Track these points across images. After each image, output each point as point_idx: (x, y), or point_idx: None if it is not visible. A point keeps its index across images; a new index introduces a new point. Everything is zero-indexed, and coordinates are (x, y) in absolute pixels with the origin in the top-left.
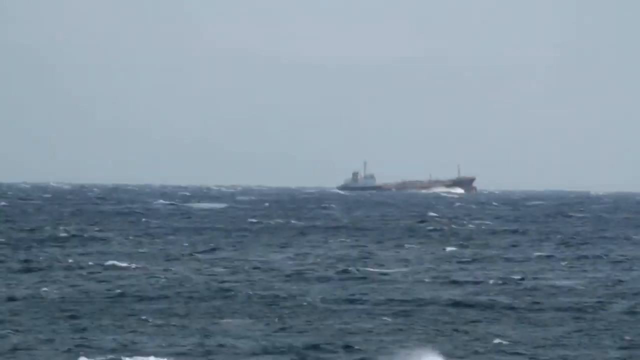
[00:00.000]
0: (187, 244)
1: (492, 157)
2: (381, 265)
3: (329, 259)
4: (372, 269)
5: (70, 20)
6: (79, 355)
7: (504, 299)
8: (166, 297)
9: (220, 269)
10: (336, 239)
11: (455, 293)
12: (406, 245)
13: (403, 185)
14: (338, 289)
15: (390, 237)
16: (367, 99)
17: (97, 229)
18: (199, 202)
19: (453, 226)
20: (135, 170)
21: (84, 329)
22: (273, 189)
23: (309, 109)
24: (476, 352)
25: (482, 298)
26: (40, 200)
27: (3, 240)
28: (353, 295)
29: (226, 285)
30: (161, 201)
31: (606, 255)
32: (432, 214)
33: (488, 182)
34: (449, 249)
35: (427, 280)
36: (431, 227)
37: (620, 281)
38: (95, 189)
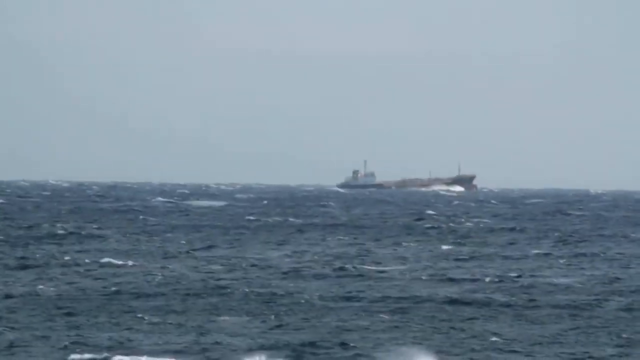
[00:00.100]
0: (184, 242)
1: (492, 156)
2: (378, 263)
3: (326, 257)
4: (369, 267)
5: (70, 19)
6: (75, 352)
7: (500, 297)
8: (163, 294)
9: (218, 267)
10: (334, 237)
11: (452, 290)
12: (403, 243)
13: (403, 184)
14: (335, 286)
15: (387, 235)
16: (368, 98)
17: (94, 226)
18: (197, 199)
19: (451, 224)
20: (135, 169)
21: (80, 326)
22: (272, 187)
23: (308, 109)
24: (473, 350)
25: (479, 296)
26: (39, 198)
27: (1, 237)
28: (350, 292)
29: (223, 282)
30: (159, 199)
31: (604, 253)
32: (430, 212)
33: (488, 181)
34: (446, 246)
35: (424, 277)
36: (429, 225)
37: (618, 279)
38: (94, 187)
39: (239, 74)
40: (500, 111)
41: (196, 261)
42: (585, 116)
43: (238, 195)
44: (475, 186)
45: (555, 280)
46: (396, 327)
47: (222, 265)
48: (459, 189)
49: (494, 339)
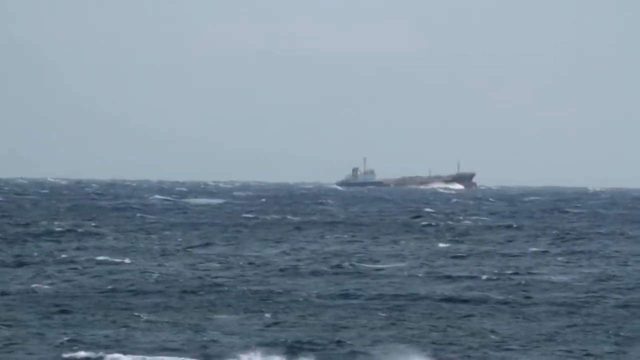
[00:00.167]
0: (182, 239)
1: (492, 154)
2: (376, 261)
3: (323, 254)
4: (366, 264)
5: (70, 19)
6: (71, 350)
7: (498, 294)
8: (160, 292)
9: (215, 264)
10: (332, 235)
11: (449, 288)
12: (401, 241)
13: (403, 181)
14: (332, 284)
15: (385, 233)
16: (367, 97)
17: (92, 224)
18: (195, 197)
19: (449, 222)
20: (134, 167)
21: (76, 324)
22: (271, 185)
23: (308, 108)
24: (470, 348)
25: (476, 293)
26: (37, 196)
27: None
28: (347, 290)
29: (220, 280)
30: (157, 197)
31: (601, 251)
32: (428, 209)
33: (487, 179)
34: (443, 244)
35: (421, 275)
36: (426, 223)
37: (615, 276)
38: (93, 185)
39: (238, 73)
40: (500, 110)
41: (193, 259)
42: (583, 115)
43: (236, 193)
44: (474, 184)
45: (553, 278)
46: (393, 324)
47: (219, 262)
48: (458, 186)
49: (491, 336)
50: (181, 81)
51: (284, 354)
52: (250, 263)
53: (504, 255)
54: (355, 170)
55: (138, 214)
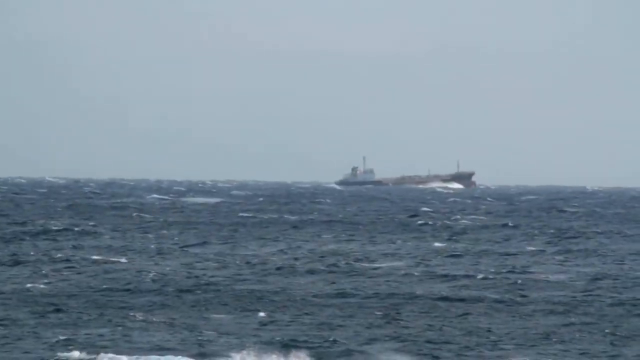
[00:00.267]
0: (178, 239)
1: (491, 153)
2: (372, 260)
3: (320, 253)
4: (363, 263)
5: (70, 17)
6: (66, 350)
7: (494, 293)
8: (156, 291)
9: (211, 263)
10: (328, 234)
11: (445, 287)
12: (398, 240)
13: (402, 180)
14: (328, 283)
15: (382, 232)
16: (367, 96)
17: (89, 223)
18: (193, 196)
19: (445, 221)
20: (133, 166)
21: (72, 323)
22: (269, 184)
23: (307, 106)
24: (466, 347)
25: (473, 292)
26: (35, 195)
27: None
28: (343, 289)
29: (216, 279)
30: (155, 196)
31: (598, 250)
32: (425, 208)
33: (487, 178)
34: (440, 243)
35: (417, 274)
36: (423, 222)
37: (611, 275)
38: (91, 184)
39: (237, 72)
40: (499, 110)
41: (190, 258)
42: (583, 115)
43: (234, 192)
44: (474, 183)
45: (549, 277)
46: (389, 323)
47: (215, 262)
48: (456, 186)
49: (487, 335)
50: (180, 80)
51: (280, 353)
52: (247, 262)
53: (500, 254)
54: (354, 169)
55: (135, 213)
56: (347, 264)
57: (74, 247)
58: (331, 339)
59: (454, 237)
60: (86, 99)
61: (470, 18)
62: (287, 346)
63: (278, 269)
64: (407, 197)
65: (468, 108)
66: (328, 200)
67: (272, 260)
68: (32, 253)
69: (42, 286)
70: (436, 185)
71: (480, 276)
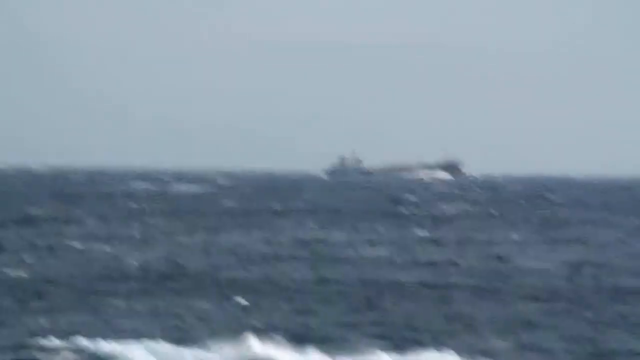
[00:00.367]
0: (163, 226)
1: (480, 143)
2: (355, 248)
3: (303, 241)
4: (346, 251)
5: (69, 11)
6: (46, 337)
7: (477, 281)
8: (138, 278)
9: (195, 251)
10: (312, 222)
11: (428, 274)
12: (381, 228)
13: (390, 170)
14: (311, 270)
15: (366, 220)
16: (356, 87)
17: (73, 210)
18: (179, 185)
19: (430, 210)
20: (119, 154)
21: (53, 310)
22: (255, 173)
23: (297, 96)
24: (447, 333)
25: (456, 279)
26: (19, 182)
27: None
28: (326, 276)
29: (199, 267)
30: (141, 184)
31: (581, 238)
32: (410, 197)
33: (475, 167)
34: (423, 231)
35: (400, 261)
36: (407, 210)
37: (594, 263)
38: (76, 172)
39: (227, 61)
40: (487, 100)
41: (173, 246)
42: (580, 113)
43: (220, 181)
44: (462, 172)
45: (533, 265)
46: (370, 310)
47: (199, 249)
48: (444, 175)
49: (469, 322)
50: (170, 68)
51: (260, 340)
52: (230, 250)
53: (483, 242)
54: (342, 158)
55: (119, 201)
56: (330, 251)
57: (57, 234)
58: (312, 326)
59: (438, 225)
60: (78, 90)
61: (460, 9)
62: (267, 333)
63: (261, 256)
64: (393, 186)
65: (456, 98)
66: (313, 190)
67: (255, 248)
68: (14, 240)
69: (23, 273)
70: (423, 174)
71: (463, 264)
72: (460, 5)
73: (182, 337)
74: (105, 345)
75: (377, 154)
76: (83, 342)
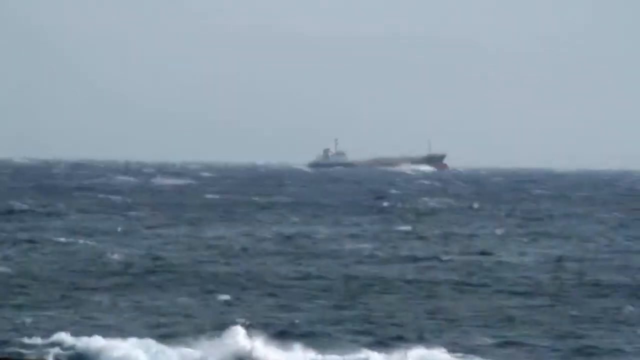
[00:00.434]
0: (145, 220)
1: (464, 136)
2: (337, 242)
3: (286, 235)
4: (328, 245)
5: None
6: (29, 333)
7: (459, 275)
8: (120, 273)
9: (177, 245)
10: (295, 215)
11: (410, 269)
12: (363, 222)
13: (373, 162)
14: (294, 264)
15: (348, 214)
16: (341, 79)
17: (55, 204)
18: (162, 178)
19: (412, 204)
20: (102, 147)
21: (34, 305)
22: (239, 166)
23: (281, 87)
24: (430, 328)
25: (437, 274)
26: (1, 176)
27: None
28: (308, 271)
29: (181, 261)
30: (123, 177)
31: (564, 232)
32: (393, 191)
33: (459, 160)
34: (406, 225)
35: (382, 256)
36: (389, 204)
37: (576, 257)
38: (60, 165)
39: (211, 51)
40: (471, 93)
41: (155, 239)
42: (553, 100)
43: (203, 174)
44: (445, 165)
45: (515, 259)
46: (352, 305)
47: (181, 243)
48: (426, 168)
49: (451, 316)
50: (151, 58)
51: (242, 335)
52: (212, 244)
53: (466, 236)
54: (326, 151)
55: (101, 195)
56: (312, 245)
57: (39, 228)
58: (295, 321)
59: (420, 219)
60: (66, 76)
61: (437, 3)
62: (249, 328)
63: (243, 250)
64: (376, 179)
65: (441, 91)
66: (296, 182)
67: (237, 242)
68: None
69: (6, 269)
70: (406, 167)
71: (445, 258)
72: (457, 2)
73: (165, 333)
74: (89, 342)
75: (363, 148)
76: (66, 338)
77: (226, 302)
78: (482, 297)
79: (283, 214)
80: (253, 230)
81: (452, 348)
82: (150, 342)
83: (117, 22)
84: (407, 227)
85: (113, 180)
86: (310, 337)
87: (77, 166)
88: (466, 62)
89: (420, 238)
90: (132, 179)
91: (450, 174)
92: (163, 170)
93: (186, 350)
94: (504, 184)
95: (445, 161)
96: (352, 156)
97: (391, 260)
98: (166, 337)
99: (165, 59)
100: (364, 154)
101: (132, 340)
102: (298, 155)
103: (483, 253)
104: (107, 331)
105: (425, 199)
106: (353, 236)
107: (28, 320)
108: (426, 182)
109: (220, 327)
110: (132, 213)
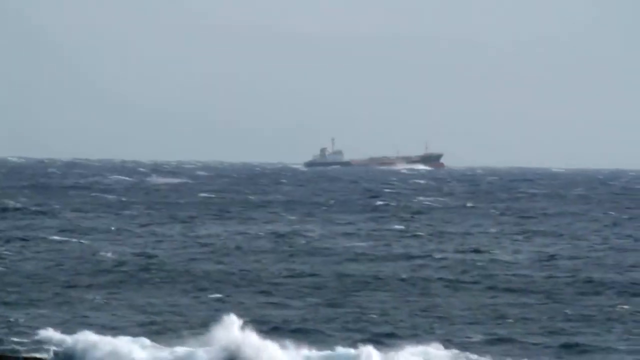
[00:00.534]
0: (139, 219)
1: (461, 135)
2: (331, 240)
3: (278, 234)
4: (322, 244)
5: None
6: (23, 331)
7: (452, 273)
8: (114, 271)
9: (171, 244)
10: (289, 214)
11: (403, 267)
12: (358, 221)
13: (370, 162)
14: (287, 263)
15: (342, 212)
16: (338, 78)
17: (49, 203)
18: (156, 177)
19: (407, 202)
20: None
21: (27, 303)
22: (234, 165)
23: (278, 86)
24: (423, 326)
25: (431, 272)
26: None
27: None
28: (301, 269)
29: (175, 259)
30: (118, 176)
31: (556, 230)
32: (388, 190)
33: (456, 160)
34: (399, 224)
35: (376, 254)
36: (384, 203)
37: (569, 256)
38: (55, 164)
39: (211, 51)
40: (470, 92)
41: (149, 238)
42: (552, 100)
43: (199, 173)
44: (442, 165)
45: (507, 257)
46: (344, 303)
47: (174, 242)
48: (422, 167)
49: (444, 314)
50: (151, 58)
51: (235, 333)
52: (206, 242)
53: (459, 234)
54: (323, 150)
55: (94, 193)
56: (305, 244)
57: (33, 226)
58: (288, 319)
59: (414, 218)
60: (63, 75)
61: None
62: (242, 326)
63: (237, 248)
64: (371, 178)
65: (438, 90)
66: (292, 181)
67: (230, 240)
68: None
69: (0, 267)
70: (402, 166)
71: (439, 256)
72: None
73: (157, 331)
74: (80, 338)
75: (362, 148)
76: (58, 335)
77: (219, 300)
78: (475, 295)
79: (278, 212)
80: (247, 228)
81: (445, 345)
82: (143, 340)
83: (117, 22)
84: (401, 226)
85: (108, 179)
86: (303, 334)
87: (72, 165)
88: (466, 62)
89: (414, 236)
90: (127, 177)
91: (445, 173)
92: (158, 169)
93: (178, 348)
94: (499, 183)
95: (442, 160)
96: (349, 155)
97: (385, 258)
98: (158, 334)
99: (165, 59)
100: (361, 153)
101: (125, 338)
102: (298, 155)
103: (477, 251)
104: (100, 329)
105: (420, 197)
106: (347, 234)
107: (21, 317)
108: (421, 181)
109: (210, 325)
110: (126, 212)
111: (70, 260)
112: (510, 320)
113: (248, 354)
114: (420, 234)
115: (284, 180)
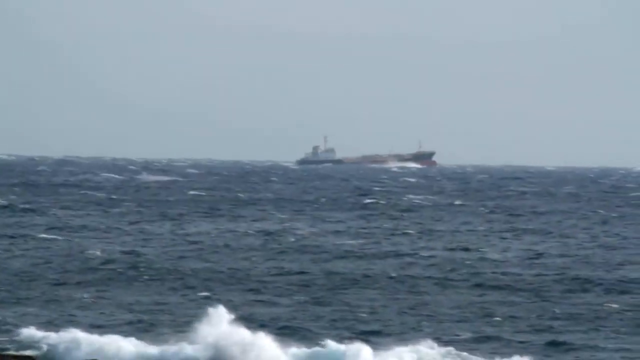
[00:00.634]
0: (128, 216)
1: (454, 133)
2: (320, 237)
3: (267, 231)
4: (311, 241)
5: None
6: (11, 329)
7: (440, 271)
8: (102, 270)
9: (159, 242)
10: (278, 212)
11: (392, 265)
12: (346, 219)
13: (362, 159)
14: (276, 261)
15: (332, 210)
16: (332, 76)
17: (38, 200)
18: (147, 175)
19: (396, 200)
20: (90, 144)
21: (14, 302)
22: (226, 162)
23: (271, 84)
24: (411, 324)
25: (418, 270)
26: None
27: None
28: (290, 267)
29: (163, 258)
30: (108, 174)
31: (545, 228)
32: (378, 188)
33: (448, 158)
34: (388, 222)
35: (365, 252)
36: (374, 201)
37: (557, 254)
38: (46, 162)
39: (211, 51)
40: (463, 91)
41: (137, 236)
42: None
43: (189, 171)
44: (434, 163)
45: (495, 255)
46: (333, 301)
47: (163, 240)
48: (414, 165)
49: (429, 311)
50: (151, 58)
51: (224, 327)
52: (195, 240)
53: (449, 232)
54: (315, 148)
55: (84, 191)
56: (294, 241)
57: (21, 224)
58: (276, 316)
59: (404, 216)
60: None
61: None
62: (231, 324)
63: (226, 246)
64: (362, 176)
65: (431, 89)
66: (281, 179)
67: (220, 238)
68: None
69: None
70: (394, 164)
71: (427, 254)
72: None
73: (145, 328)
74: (68, 336)
75: (355, 146)
76: (46, 333)
77: (207, 298)
78: (464, 293)
79: (267, 210)
80: (236, 226)
81: (432, 342)
82: (130, 338)
83: (117, 22)
84: (390, 224)
85: (98, 177)
86: (291, 332)
87: (63, 163)
88: (463, 62)
89: (404, 234)
90: (117, 175)
91: (436, 171)
92: (149, 167)
93: (166, 346)
94: (489, 181)
95: (434, 159)
96: (341, 153)
97: (374, 256)
98: (147, 332)
99: (165, 59)
100: (354, 151)
101: (114, 337)
102: (298, 155)
103: (465, 249)
104: (88, 327)
105: (410, 195)
106: (336, 232)
107: (10, 316)
108: (412, 179)
109: (200, 323)
110: (116, 209)
111: (59, 258)
112: (498, 318)
113: (236, 351)
114: (410, 232)
115: (274, 179)
